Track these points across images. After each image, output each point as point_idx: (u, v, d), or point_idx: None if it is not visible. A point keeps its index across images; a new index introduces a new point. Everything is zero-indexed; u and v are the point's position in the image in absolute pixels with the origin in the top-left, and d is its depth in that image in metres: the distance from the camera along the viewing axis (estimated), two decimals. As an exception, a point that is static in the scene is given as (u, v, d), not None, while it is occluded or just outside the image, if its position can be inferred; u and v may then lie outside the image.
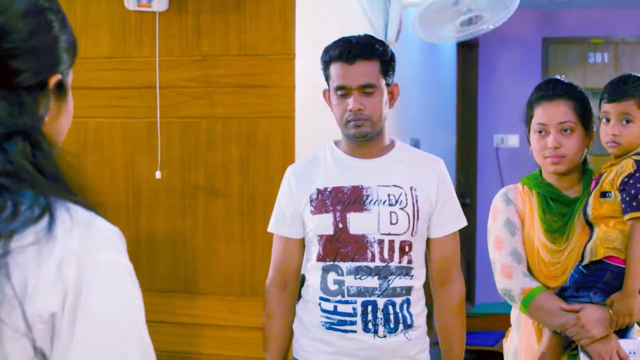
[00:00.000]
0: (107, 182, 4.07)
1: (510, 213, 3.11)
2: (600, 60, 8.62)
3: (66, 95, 1.41)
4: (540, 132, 3.06)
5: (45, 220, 1.23)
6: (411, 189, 3.02)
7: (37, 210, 1.24)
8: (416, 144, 6.03)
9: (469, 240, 7.91)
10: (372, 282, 2.97)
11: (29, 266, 1.21)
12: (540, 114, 3.07)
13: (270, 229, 3.17)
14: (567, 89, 3.09)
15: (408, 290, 3.00)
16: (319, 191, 3.04)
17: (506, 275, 3.05)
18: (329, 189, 3.03)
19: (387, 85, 3.03)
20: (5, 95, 1.30)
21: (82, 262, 1.24)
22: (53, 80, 1.37)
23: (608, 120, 3.00)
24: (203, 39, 3.95)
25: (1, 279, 1.20)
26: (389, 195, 3.00)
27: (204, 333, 3.98)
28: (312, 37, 4.01)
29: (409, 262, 3.00)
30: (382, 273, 2.97)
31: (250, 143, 3.90)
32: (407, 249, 3.00)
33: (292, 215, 3.09)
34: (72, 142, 4.08)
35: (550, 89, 3.09)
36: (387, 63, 3.01)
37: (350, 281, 2.98)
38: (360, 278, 2.97)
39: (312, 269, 3.07)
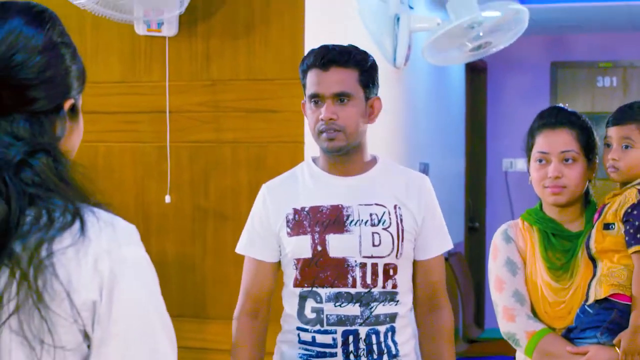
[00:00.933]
0: (116, 206, 4.05)
1: (511, 252, 2.96)
2: (609, 84, 8.63)
3: (78, 116, 1.63)
4: (540, 160, 2.94)
5: (77, 224, 1.46)
6: (395, 207, 2.82)
7: (69, 216, 1.46)
8: (425, 168, 6.03)
9: (478, 263, 7.89)
10: (353, 309, 2.75)
11: (71, 264, 1.44)
12: (542, 142, 2.95)
13: (239, 250, 3.00)
14: (570, 118, 2.98)
15: (392, 317, 2.80)
16: (295, 211, 2.82)
17: (509, 319, 2.91)
18: (306, 209, 2.81)
19: (367, 98, 2.83)
20: (27, 119, 1.52)
21: (113, 257, 1.47)
22: (67, 104, 1.58)
23: (609, 146, 2.92)
24: (212, 64, 3.96)
25: (50, 277, 1.42)
26: (371, 215, 2.79)
27: (214, 357, 3.97)
28: (321, 62, 4.02)
29: (394, 286, 2.80)
30: (364, 300, 2.76)
31: (260, 167, 3.90)
32: (391, 272, 2.79)
33: (266, 237, 2.89)
34: (82, 167, 4.08)
35: (553, 117, 2.98)
36: (366, 73, 2.82)
37: (329, 309, 2.76)
38: (340, 305, 2.76)
39: (288, 296, 2.86)
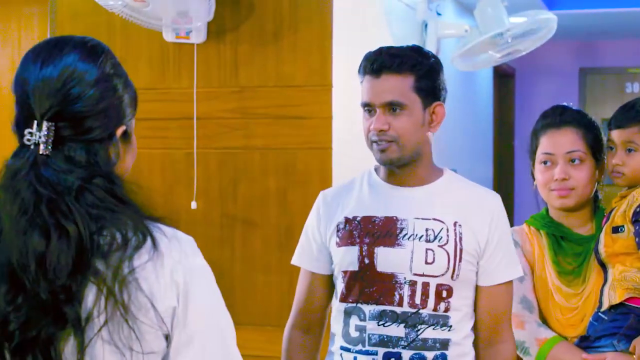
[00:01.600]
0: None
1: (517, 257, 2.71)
2: (638, 90, 8.60)
3: (130, 139, 1.79)
4: (545, 162, 2.82)
5: (149, 241, 1.62)
6: (455, 224, 2.55)
7: (140, 235, 1.62)
8: (453, 174, 6.00)
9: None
10: (398, 330, 2.50)
11: (151, 277, 1.61)
12: (546, 142, 2.83)
13: (294, 261, 2.80)
14: (575, 116, 2.85)
15: (444, 343, 2.51)
16: (347, 220, 2.61)
17: (517, 326, 2.73)
18: (358, 218, 2.60)
19: (427, 105, 2.57)
20: (83, 147, 1.65)
21: (184, 267, 1.65)
22: (119, 131, 1.72)
23: (611, 149, 2.78)
24: (241, 71, 3.97)
25: (135, 291, 1.59)
26: (427, 230, 2.53)
27: (241, 363, 3.97)
28: (349, 69, 4.02)
29: (447, 309, 2.52)
30: (410, 321, 2.50)
31: (288, 174, 3.91)
32: (445, 294, 2.52)
33: (319, 247, 2.69)
34: (111, 173, 4.11)
35: (557, 116, 2.85)
36: (425, 78, 2.55)
37: (372, 327, 2.52)
38: (384, 325, 2.51)
39: (335, 312, 2.65)
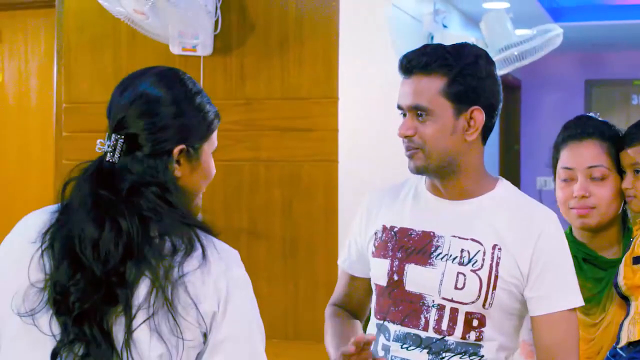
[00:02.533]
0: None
1: None
2: (644, 102, 8.58)
3: (195, 159, 1.98)
4: (565, 179, 2.59)
5: (199, 249, 1.84)
6: (494, 248, 2.27)
7: (187, 241, 1.83)
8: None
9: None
10: (420, 356, 2.29)
11: (197, 283, 1.82)
12: (566, 156, 2.59)
13: (338, 262, 2.63)
14: (599, 127, 2.61)
15: None
16: (384, 229, 2.41)
17: (527, 355, 2.52)
18: (395, 229, 2.38)
19: (461, 111, 2.28)
20: (141, 159, 1.89)
21: (227, 277, 1.86)
22: (176, 150, 1.91)
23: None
24: (247, 83, 3.98)
25: (183, 293, 1.80)
26: (462, 251, 2.28)
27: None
28: (355, 80, 4.03)
29: (479, 339, 2.27)
30: (434, 347, 2.28)
31: (293, 186, 3.91)
32: (475, 323, 2.27)
33: (359, 250, 2.50)
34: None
35: (580, 127, 2.60)
36: (460, 80, 2.26)
37: (395, 350, 2.33)
38: (407, 348, 2.31)
39: (371, 324, 2.47)
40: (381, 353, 2.36)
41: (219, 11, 3.93)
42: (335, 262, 3.76)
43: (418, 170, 2.32)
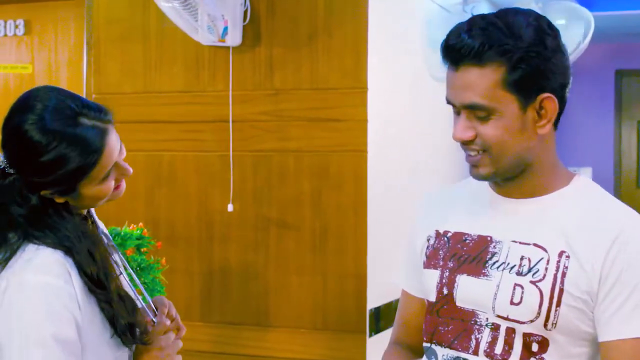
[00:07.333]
0: (180, 214, 4.11)
1: None
2: (675, 91, 8.52)
3: (72, 197, 2.04)
4: None
5: (9, 254, 1.99)
6: (561, 255, 1.87)
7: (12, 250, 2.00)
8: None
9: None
10: None
11: None
12: None
13: (395, 280, 2.32)
14: None
15: None
16: (437, 234, 2.07)
17: None
18: (449, 234, 2.04)
19: (528, 102, 1.87)
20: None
21: (10, 279, 1.97)
22: (44, 193, 2.02)
23: None
24: (275, 73, 3.98)
25: None
26: (521, 259, 1.90)
27: (275, 366, 3.98)
28: (384, 71, 4.02)
29: None
30: None
31: (322, 176, 3.90)
32: (535, 347, 1.87)
33: (413, 263, 2.14)
34: (147, 175, 4.13)
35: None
36: (524, 66, 1.84)
37: None
38: None
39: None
40: None
41: (248, 1, 3.93)
42: (365, 254, 3.78)
43: (485, 179, 1.96)
